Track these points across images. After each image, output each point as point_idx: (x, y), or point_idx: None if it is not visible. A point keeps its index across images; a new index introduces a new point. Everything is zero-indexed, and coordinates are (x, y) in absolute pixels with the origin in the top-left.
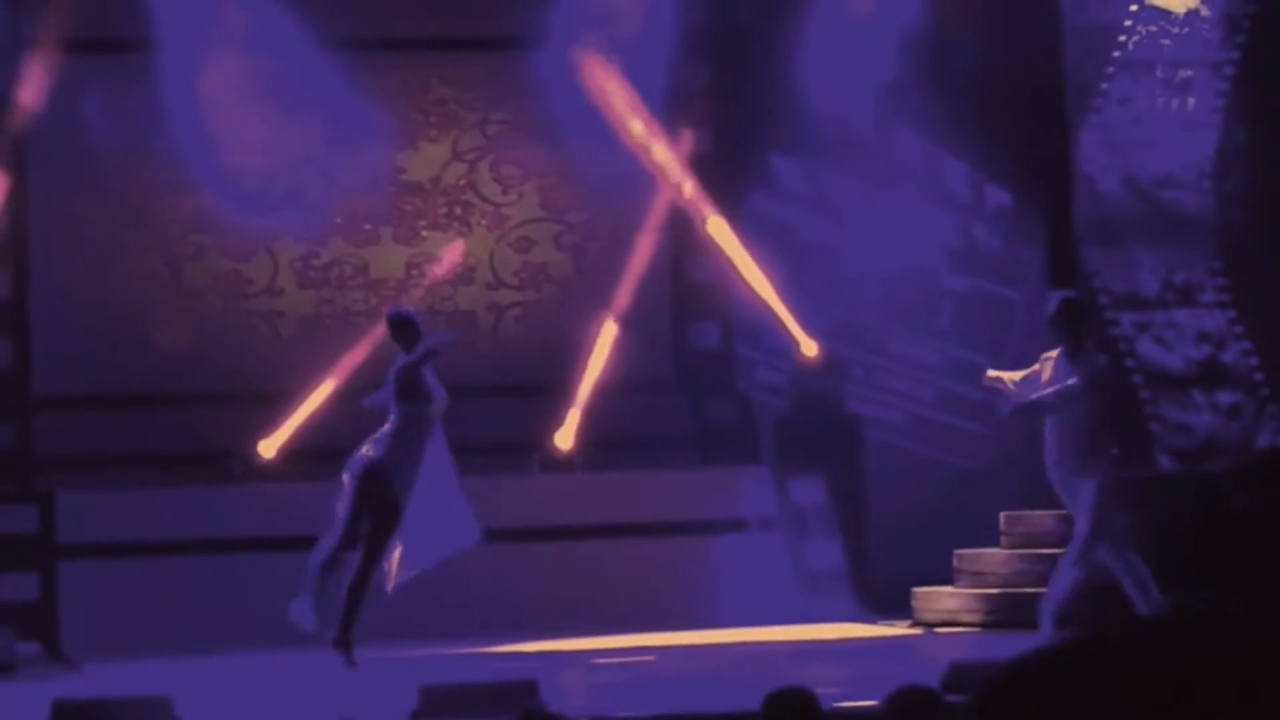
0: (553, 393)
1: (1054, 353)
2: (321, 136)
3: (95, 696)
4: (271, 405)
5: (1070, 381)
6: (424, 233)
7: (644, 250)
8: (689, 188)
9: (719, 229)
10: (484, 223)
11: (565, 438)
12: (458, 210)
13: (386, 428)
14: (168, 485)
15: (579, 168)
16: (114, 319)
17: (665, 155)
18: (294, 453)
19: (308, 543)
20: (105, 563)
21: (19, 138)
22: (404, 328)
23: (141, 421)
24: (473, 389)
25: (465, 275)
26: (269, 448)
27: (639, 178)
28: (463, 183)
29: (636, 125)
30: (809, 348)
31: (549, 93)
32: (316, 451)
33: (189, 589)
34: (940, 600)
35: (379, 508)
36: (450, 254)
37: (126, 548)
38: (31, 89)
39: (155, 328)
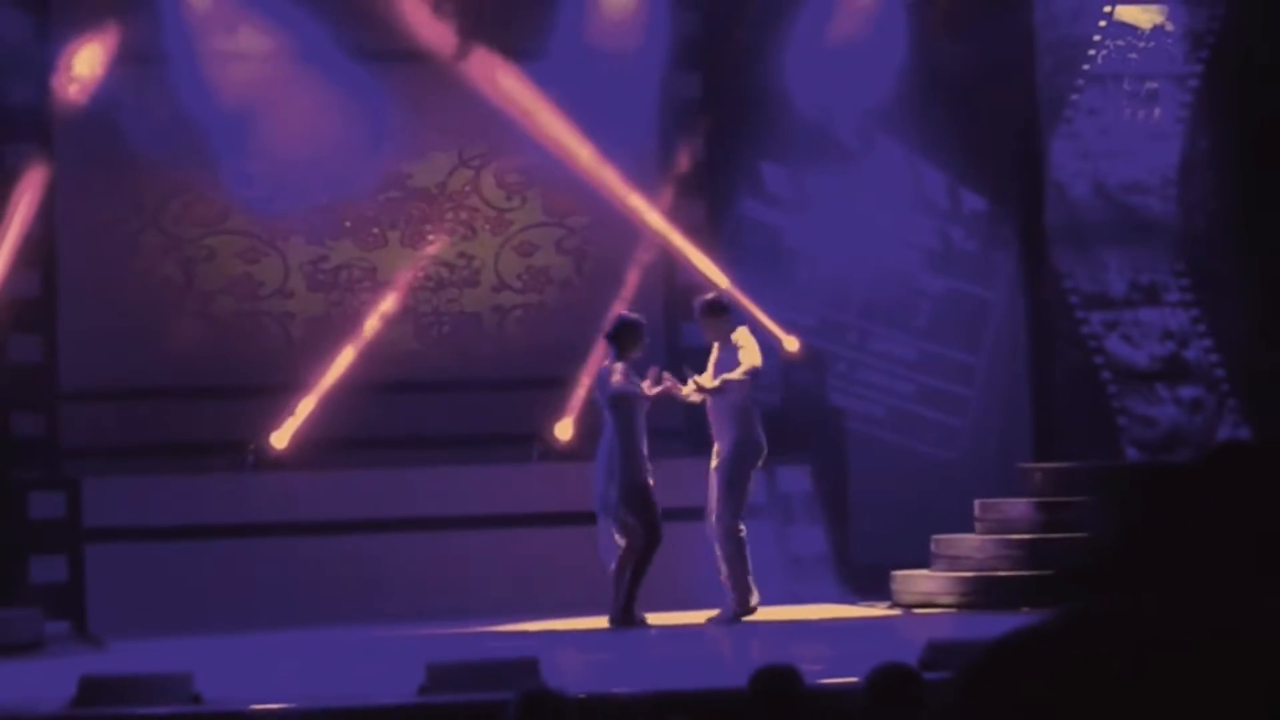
0: (552, 386)
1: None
2: (332, 143)
3: (120, 672)
4: (284, 399)
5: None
6: (430, 236)
7: (639, 254)
8: (638, 200)
9: (675, 236)
10: (488, 227)
11: (564, 429)
12: (463, 215)
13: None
14: (188, 473)
15: (580, 174)
16: (135, 317)
17: (599, 166)
18: (305, 443)
19: (319, 528)
20: (129, 546)
21: (50, 146)
22: (626, 333)
23: (163, 413)
24: (477, 383)
25: (470, 278)
26: (280, 439)
27: (637, 184)
28: (468, 188)
29: (569, 137)
30: (790, 344)
31: (551, 100)
32: (325, 442)
33: (208, 571)
34: (918, 583)
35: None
36: (432, 249)
37: (149, 532)
38: (62, 97)
39: (173, 326)
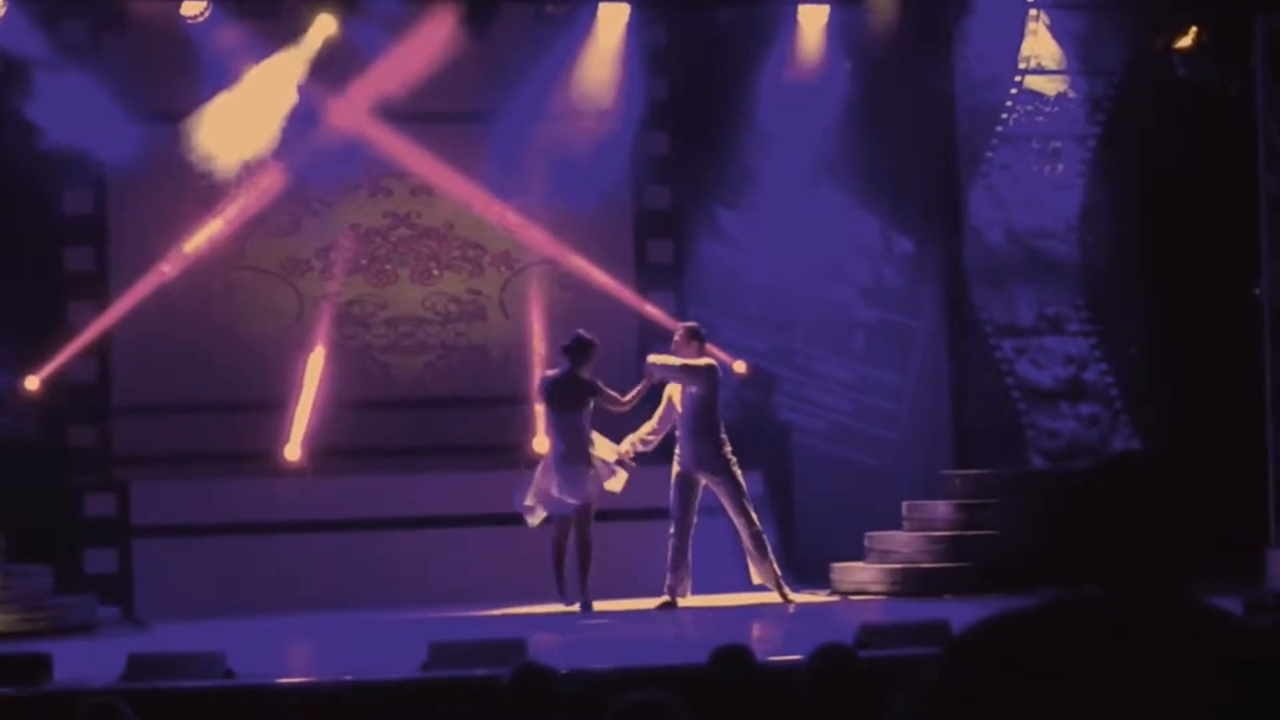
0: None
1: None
2: (348, 186)
3: (163, 651)
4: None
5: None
6: (436, 273)
7: (613, 287)
8: (530, 237)
9: (586, 270)
10: (493, 265)
11: (540, 442)
12: (470, 253)
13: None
14: (223, 477)
15: (575, 215)
16: (175, 343)
17: (494, 210)
18: (325, 452)
19: (336, 525)
20: (172, 541)
21: (104, 192)
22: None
23: (201, 425)
24: (476, 400)
25: (477, 312)
26: (291, 450)
27: (614, 228)
28: (474, 228)
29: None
30: (739, 367)
31: (542, 153)
32: (342, 451)
33: (240, 563)
34: (854, 573)
35: None
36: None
37: (189, 529)
38: (116, 150)
39: (206, 351)
